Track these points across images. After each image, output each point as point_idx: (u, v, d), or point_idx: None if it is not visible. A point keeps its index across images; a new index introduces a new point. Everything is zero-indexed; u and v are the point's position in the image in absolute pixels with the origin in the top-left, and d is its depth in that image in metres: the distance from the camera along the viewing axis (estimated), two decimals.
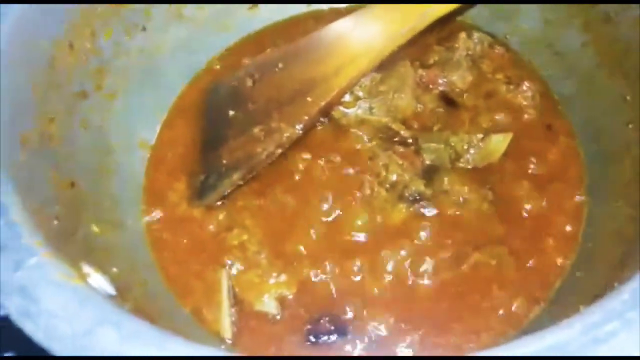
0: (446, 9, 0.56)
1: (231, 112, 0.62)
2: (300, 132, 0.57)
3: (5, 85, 0.43)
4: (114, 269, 0.46)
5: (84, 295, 0.33)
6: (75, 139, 0.52)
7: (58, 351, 0.30)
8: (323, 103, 0.58)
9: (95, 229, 0.51)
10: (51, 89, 0.50)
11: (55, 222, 0.43)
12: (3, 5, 0.45)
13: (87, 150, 0.54)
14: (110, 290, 0.40)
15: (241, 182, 0.57)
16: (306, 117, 0.57)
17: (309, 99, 0.58)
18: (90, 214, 0.51)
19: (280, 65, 0.62)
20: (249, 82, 0.62)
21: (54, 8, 0.49)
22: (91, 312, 0.32)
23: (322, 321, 0.53)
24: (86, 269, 0.39)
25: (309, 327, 0.53)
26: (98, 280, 0.39)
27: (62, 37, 0.51)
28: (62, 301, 0.32)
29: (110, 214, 0.55)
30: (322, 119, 0.61)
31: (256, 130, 0.59)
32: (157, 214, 0.59)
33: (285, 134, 0.57)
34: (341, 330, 0.52)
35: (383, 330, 0.52)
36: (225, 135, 0.60)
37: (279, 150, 0.57)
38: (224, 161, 0.58)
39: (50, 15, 0.49)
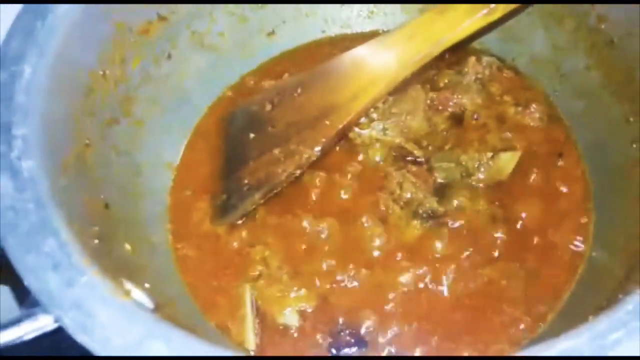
0: (459, 37, 0.59)
1: (251, 135, 0.65)
2: (319, 153, 0.60)
3: (48, 115, 0.47)
4: (147, 285, 0.49)
5: (131, 310, 0.36)
6: (107, 163, 0.56)
7: None
8: (341, 126, 0.61)
9: (127, 247, 0.54)
10: (86, 116, 0.53)
11: (96, 242, 0.45)
12: (43, 41, 0.48)
13: (118, 173, 0.57)
14: (149, 304, 0.43)
15: (262, 201, 0.60)
16: (324, 140, 0.60)
17: (327, 122, 0.61)
18: (123, 233, 0.54)
19: (299, 90, 0.65)
20: (268, 107, 0.65)
21: (91, 40, 0.53)
22: (140, 326, 0.35)
23: (342, 334, 0.55)
24: (127, 285, 0.42)
25: (330, 340, 0.55)
26: (139, 295, 0.41)
27: (96, 67, 0.54)
28: (112, 315, 0.35)
29: (139, 233, 0.58)
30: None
31: (276, 152, 0.61)
32: (182, 232, 0.62)
33: (305, 156, 0.59)
34: (361, 342, 0.55)
35: (399, 341, 0.54)
36: (246, 157, 0.63)
37: (298, 171, 0.60)
38: (245, 181, 0.61)
39: (86, 47, 0.53)
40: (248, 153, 0.64)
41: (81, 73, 0.53)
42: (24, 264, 0.38)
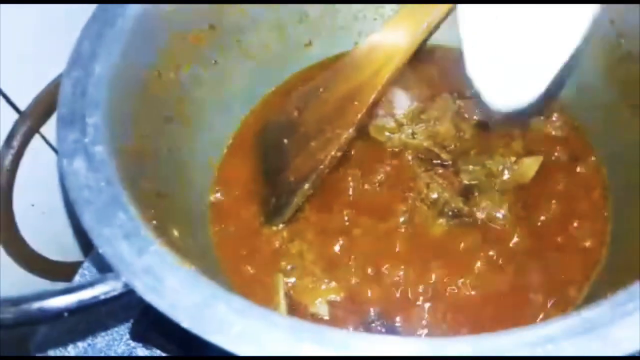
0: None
1: (285, 141, 0.69)
2: (355, 133, 0.64)
3: (114, 108, 0.51)
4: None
5: (195, 277, 0.40)
6: (159, 156, 0.60)
7: (181, 319, 0.37)
8: (370, 101, 0.64)
9: (175, 233, 0.58)
10: (144, 112, 0.58)
11: (154, 223, 0.50)
12: (111, 43, 0.54)
13: (167, 167, 0.61)
14: None
15: (311, 191, 0.64)
16: (357, 117, 0.64)
17: (355, 102, 0.65)
18: (172, 221, 0.58)
19: (321, 89, 0.69)
20: (295, 113, 0.70)
21: (150, 46, 0.58)
22: (204, 290, 0.39)
23: (373, 325, 0.58)
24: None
25: (361, 329, 0.59)
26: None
27: (153, 69, 0.59)
28: (179, 280, 0.40)
29: (185, 223, 0.62)
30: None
31: (313, 144, 0.65)
32: (223, 226, 0.66)
33: (343, 136, 0.63)
34: (393, 332, 0.58)
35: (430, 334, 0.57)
36: (286, 160, 0.67)
37: (339, 153, 0.64)
38: (292, 179, 0.65)
39: (146, 52, 0.58)
40: (287, 156, 0.67)
41: (140, 74, 0.57)
42: (100, 235, 0.42)
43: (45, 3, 0.62)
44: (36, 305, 0.37)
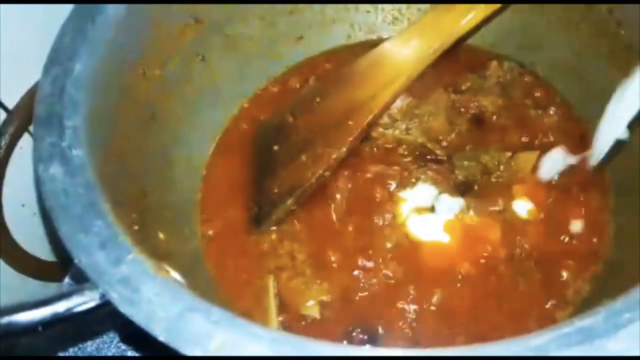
0: (465, 28, 0.62)
1: (275, 147, 0.67)
2: (345, 153, 0.62)
3: (95, 108, 0.50)
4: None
5: (172, 287, 0.39)
6: (145, 156, 0.59)
7: (157, 332, 0.36)
8: (364, 124, 0.63)
9: (161, 236, 0.57)
10: (128, 110, 0.56)
11: (136, 228, 0.48)
12: (93, 40, 0.52)
13: (154, 166, 0.60)
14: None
15: (294, 207, 0.63)
16: (350, 139, 0.62)
17: (350, 122, 0.63)
18: (157, 223, 0.57)
19: (317, 99, 0.67)
20: (290, 119, 0.68)
21: (133, 42, 0.56)
22: (181, 301, 0.37)
23: (354, 334, 0.57)
24: (165, 266, 0.45)
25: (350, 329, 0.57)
26: (176, 275, 0.44)
27: (137, 66, 0.57)
28: (156, 291, 0.38)
29: (171, 224, 0.61)
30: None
31: (303, 157, 0.64)
32: (210, 225, 0.65)
33: (332, 156, 0.62)
34: (373, 340, 0.56)
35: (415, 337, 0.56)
36: (273, 168, 0.66)
37: (327, 173, 0.62)
38: (276, 190, 0.63)
39: (129, 48, 0.56)
40: (275, 164, 0.66)
41: (123, 71, 0.56)
42: (75, 242, 0.40)
43: (32, 3, 0.61)
44: (5, 320, 0.36)
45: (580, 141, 0.64)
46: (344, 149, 0.62)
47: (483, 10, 0.63)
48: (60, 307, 0.39)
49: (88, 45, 0.51)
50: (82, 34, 0.51)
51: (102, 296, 0.39)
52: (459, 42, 0.66)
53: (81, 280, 0.40)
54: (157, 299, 0.38)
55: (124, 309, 0.37)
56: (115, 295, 0.38)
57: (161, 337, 0.36)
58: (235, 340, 0.35)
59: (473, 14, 0.63)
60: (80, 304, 0.39)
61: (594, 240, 0.59)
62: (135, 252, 0.40)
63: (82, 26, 0.51)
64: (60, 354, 0.64)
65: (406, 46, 0.64)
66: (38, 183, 0.44)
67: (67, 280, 0.71)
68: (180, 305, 0.37)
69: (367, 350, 0.35)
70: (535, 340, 0.34)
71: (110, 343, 0.66)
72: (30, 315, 0.37)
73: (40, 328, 0.37)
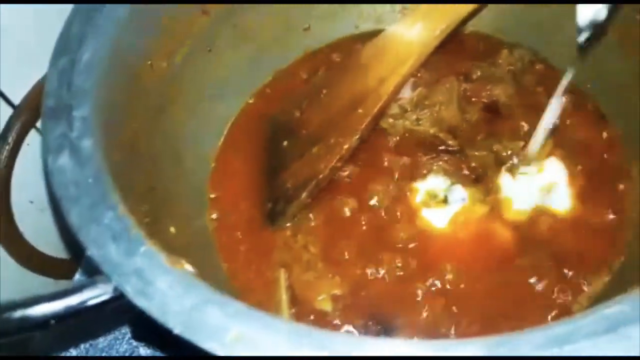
0: (469, 9, 0.61)
1: (285, 143, 0.66)
2: (358, 142, 0.61)
3: (104, 98, 0.49)
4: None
5: (187, 279, 0.38)
6: (154, 148, 0.58)
7: (172, 324, 0.35)
8: (375, 111, 0.62)
9: (172, 230, 0.56)
10: (136, 101, 0.55)
11: (147, 220, 0.48)
12: (101, 29, 0.51)
13: (162, 158, 0.59)
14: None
15: (309, 200, 0.61)
16: (361, 127, 0.61)
17: (360, 110, 0.63)
18: (168, 215, 0.56)
19: (324, 91, 0.66)
20: (297, 113, 0.67)
21: (140, 32, 0.55)
22: (196, 293, 0.37)
23: (370, 324, 0.56)
24: (179, 259, 0.44)
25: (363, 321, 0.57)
26: (190, 269, 0.43)
27: (145, 57, 0.57)
28: (170, 283, 0.37)
29: (182, 217, 0.60)
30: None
31: (314, 149, 0.63)
32: (221, 218, 0.64)
33: (345, 146, 0.61)
34: (389, 331, 0.56)
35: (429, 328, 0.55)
36: (285, 163, 0.65)
37: (340, 163, 0.62)
38: (289, 185, 0.62)
39: (136, 39, 0.55)
40: (286, 160, 0.65)
41: (131, 62, 0.55)
42: (87, 235, 0.40)
43: (33, 3, 0.60)
44: (19, 313, 0.35)
45: (596, 126, 0.63)
46: (356, 138, 0.61)
47: None
48: (73, 300, 0.38)
49: (95, 34, 0.50)
50: (89, 23, 0.50)
51: (116, 289, 0.38)
52: (464, 22, 0.64)
53: (93, 275, 0.40)
54: (172, 292, 0.37)
55: (138, 301, 0.37)
56: (129, 287, 0.37)
57: (176, 330, 0.35)
58: (252, 333, 0.35)
59: None
60: (93, 297, 0.38)
61: (612, 232, 0.58)
62: (148, 244, 0.40)
63: (90, 16, 0.50)
64: (72, 350, 0.64)
65: (412, 29, 0.63)
66: (47, 175, 0.44)
67: (77, 276, 0.70)
68: (195, 298, 0.37)
69: (386, 342, 0.34)
70: (558, 329, 0.33)
71: (122, 339, 0.65)
72: (44, 308, 0.36)
73: (53, 322, 0.36)
